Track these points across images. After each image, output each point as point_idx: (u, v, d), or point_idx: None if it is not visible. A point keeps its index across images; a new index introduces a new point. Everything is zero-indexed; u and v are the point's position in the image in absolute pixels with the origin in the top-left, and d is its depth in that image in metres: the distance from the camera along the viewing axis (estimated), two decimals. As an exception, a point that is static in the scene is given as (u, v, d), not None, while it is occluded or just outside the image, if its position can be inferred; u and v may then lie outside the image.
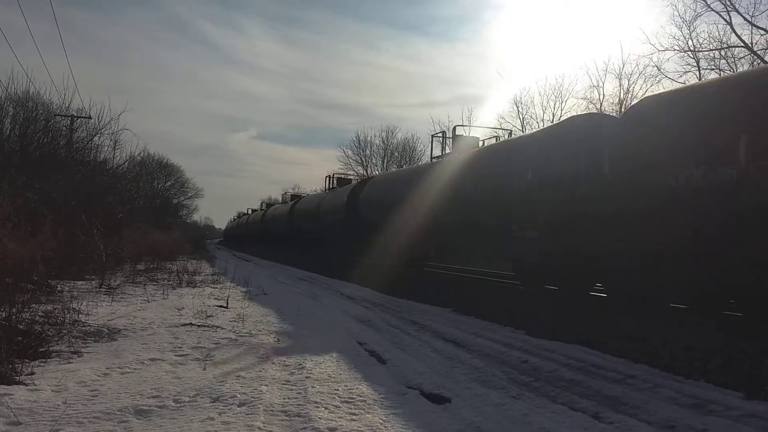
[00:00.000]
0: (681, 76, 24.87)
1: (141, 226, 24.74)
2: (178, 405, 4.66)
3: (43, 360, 5.89)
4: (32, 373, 5.34)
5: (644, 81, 28.11)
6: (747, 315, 7.59)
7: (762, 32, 23.03)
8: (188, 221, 58.21)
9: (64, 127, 26.08)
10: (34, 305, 7.77)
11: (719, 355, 6.18)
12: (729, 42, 23.79)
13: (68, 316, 7.79)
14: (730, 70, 22.79)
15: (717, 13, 23.68)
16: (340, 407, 4.82)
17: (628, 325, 7.81)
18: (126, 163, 30.97)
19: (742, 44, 23.43)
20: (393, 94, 77.02)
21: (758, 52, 22.92)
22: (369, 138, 54.84)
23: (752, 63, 22.55)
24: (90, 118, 26.01)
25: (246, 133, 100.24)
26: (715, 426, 4.51)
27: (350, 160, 54.35)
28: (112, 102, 58.91)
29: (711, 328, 7.10)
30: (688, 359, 6.27)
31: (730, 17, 23.43)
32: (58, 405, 4.52)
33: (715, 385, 5.53)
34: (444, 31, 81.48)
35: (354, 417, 4.59)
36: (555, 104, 31.91)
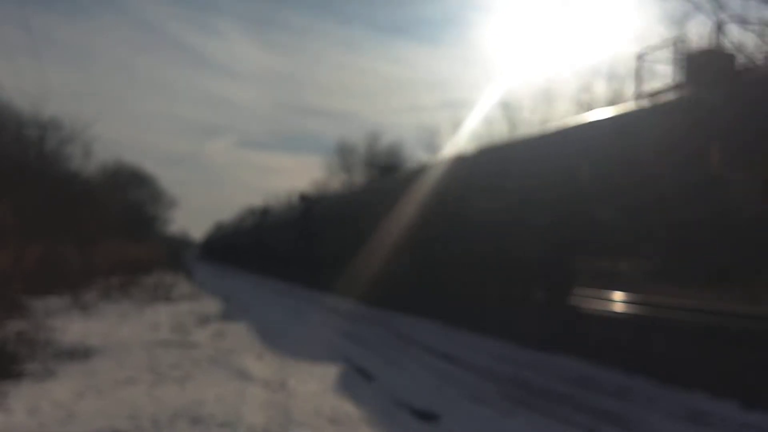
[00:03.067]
0: (671, 78, 25.27)
1: (115, 238, 24.30)
2: (156, 427, 4.50)
3: (16, 380, 5.68)
4: (5, 394, 5.14)
5: (634, 82, 28.34)
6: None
7: (751, 34, 23.58)
8: (164, 233, 57.25)
9: (34, 138, 25.52)
10: (6, 323, 7.54)
11: (714, 365, 6.18)
12: (719, 43, 24.31)
13: (41, 334, 7.57)
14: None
15: (706, 15, 24.25)
16: (325, 427, 4.70)
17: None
18: (99, 174, 30.46)
19: (731, 46, 23.99)
20: (377, 98, 76.90)
21: (748, 54, 23.45)
22: (353, 144, 54.01)
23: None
24: (62, 127, 25.52)
25: (224, 140, 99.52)
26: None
27: (333, 168, 53.43)
28: (84, 110, 57.75)
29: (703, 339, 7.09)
30: (683, 370, 6.27)
31: (719, 18, 24.01)
32: (33, 428, 4.35)
33: (712, 396, 5.53)
34: (429, 34, 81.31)
35: (341, 437, 4.48)
36: (544, 107, 31.73)
